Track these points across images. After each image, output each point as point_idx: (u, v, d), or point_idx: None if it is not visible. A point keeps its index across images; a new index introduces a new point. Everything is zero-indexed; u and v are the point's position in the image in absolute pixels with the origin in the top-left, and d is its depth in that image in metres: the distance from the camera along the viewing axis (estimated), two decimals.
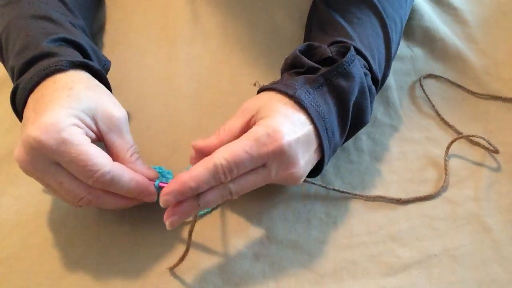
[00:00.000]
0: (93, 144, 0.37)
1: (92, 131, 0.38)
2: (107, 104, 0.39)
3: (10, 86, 0.51)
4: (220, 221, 0.44)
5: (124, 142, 0.39)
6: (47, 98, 0.37)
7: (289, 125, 0.37)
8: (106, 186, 0.37)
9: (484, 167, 0.48)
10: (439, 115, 0.51)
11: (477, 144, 0.49)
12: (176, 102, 0.51)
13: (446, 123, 0.51)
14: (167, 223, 0.37)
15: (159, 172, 0.42)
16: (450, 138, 0.49)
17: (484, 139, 0.48)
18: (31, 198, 0.44)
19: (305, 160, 0.39)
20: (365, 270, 0.41)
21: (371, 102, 0.44)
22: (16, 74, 0.41)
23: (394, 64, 0.55)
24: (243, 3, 0.58)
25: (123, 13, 0.58)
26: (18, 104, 0.40)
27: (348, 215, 0.44)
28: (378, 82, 0.45)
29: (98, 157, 0.36)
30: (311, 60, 0.42)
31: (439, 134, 0.50)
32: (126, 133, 0.40)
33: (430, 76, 0.55)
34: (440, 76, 0.54)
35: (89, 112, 0.38)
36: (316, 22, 0.50)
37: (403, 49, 0.57)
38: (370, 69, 0.44)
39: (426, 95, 0.53)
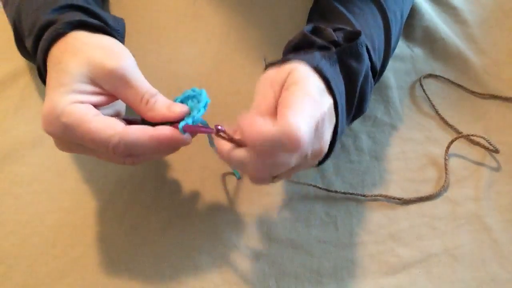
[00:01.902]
0: (98, 116, 0.34)
1: (99, 94, 0.35)
2: (99, 60, 0.35)
3: (9, 86, 0.51)
4: (220, 220, 0.44)
5: (135, 92, 0.36)
6: (47, 81, 0.36)
7: (320, 95, 0.35)
8: (127, 153, 0.34)
9: (484, 166, 0.48)
10: (439, 114, 0.51)
11: (477, 143, 0.49)
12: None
13: (446, 122, 0.51)
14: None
15: (190, 96, 0.37)
16: (450, 138, 0.49)
17: (484, 138, 0.48)
18: (31, 198, 0.44)
19: (329, 134, 0.36)
20: (365, 270, 0.41)
21: (371, 92, 0.43)
22: (33, 55, 0.40)
23: (394, 64, 0.55)
24: (244, 3, 0.58)
25: (124, 13, 0.58)
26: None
27: (348, 214, 0.44)
28: (376, 74, 0.45)
29: (102, 131, 0.33)
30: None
31: (439, 133, 0.50)
32: (134, 81, 0.36)
33: (430, 75, 0.55)
34: (440, 76, 0.54)
35: (84, 78, 0.34)
36: (318, 12, 0.49)
37: (403, 49, 0.57)
38: (370, 59, 0.43)
39: (426, 94, 0.53)
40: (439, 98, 0.53)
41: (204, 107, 0.37)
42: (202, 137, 0.49)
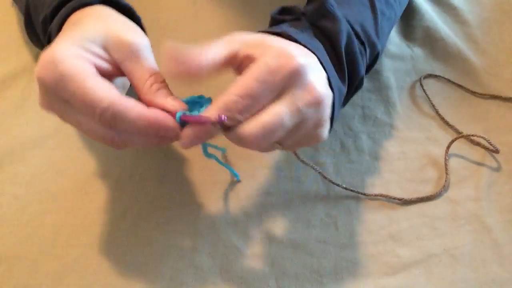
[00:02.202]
0: (96, 76, 0.32)
1: (105, 61, 0.34)
2: (119, 31, 0.34)
3: (9, 86, 0.51)
4: (220, 220, 0.43)
5: (142, 70, 0.34)
6: (58, 35, 0.34)
7: (297, 48, 0.33)
8: (112, 125, 0.32)
9: (484, 166, 0.48)
10: (439, 115, 0.51)
11: (477, 143, 0.49)
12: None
13: (446, 122, 0.51)
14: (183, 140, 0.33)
15: (195, 102, 0.35)
16: (450, 138, 0.49)
17: (484, 138, 0.48)
18: (31, 198, 0.44)
19: (323, 81, 0.34)
20: (365, 270, 0.41)
21: (362, 57, 0.41)
22: (49, 22, 0.38)
23: (394, 64, 0.55)
24: (244, 4, 0.58)
25: None
26: None
27: (348, 215, 0.44)
28: (364, 44, 0.42)
29: (96, 91, 0.31)
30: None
31: (439, 134, 0.50)
32: (145, 60, 0.34)
33: (430, 76, 0.55)
34: (441, 76, 0.54)
35: (96, 39, 0.33)
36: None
37: (403, 49, 0.57)
38: (351, 26, 0.41)
39: (427, 94, 0.53)
40: (439, 98, 0.53)
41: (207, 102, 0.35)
42: None
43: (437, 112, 0.52)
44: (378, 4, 0.45)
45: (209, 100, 0.35)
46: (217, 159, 0.42)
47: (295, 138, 0.35)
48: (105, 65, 0.34)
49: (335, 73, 0.38)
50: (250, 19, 0.57)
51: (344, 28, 0.39)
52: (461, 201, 0.45)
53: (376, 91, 0.52)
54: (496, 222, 0.44)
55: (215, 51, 0.33)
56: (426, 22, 0.57)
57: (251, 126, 0.32)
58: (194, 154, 0.47)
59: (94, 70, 0.32)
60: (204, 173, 0.46)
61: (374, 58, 0.45)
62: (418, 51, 0.56)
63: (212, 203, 0.44)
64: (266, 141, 0.32)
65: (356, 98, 0.52)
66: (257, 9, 0.58)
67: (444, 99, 0.53)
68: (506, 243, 0.43)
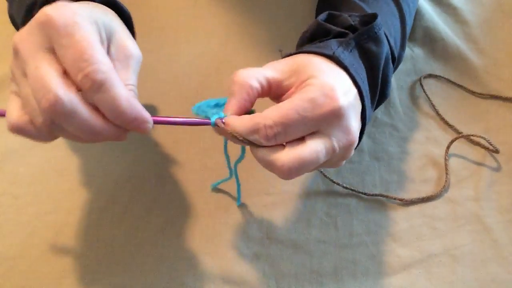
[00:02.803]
0: (101, 46, 0.31)
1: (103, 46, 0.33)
2: (124, 36, 0.35)
3: (9, 86, 0.51)
4: (220, 220, 0.43)
5: (125, 76, 0.34)
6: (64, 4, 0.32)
7: (342, 86, 0.33)
8: (94, 90, 0.29)
9: (484, 166, 0.48)
10: (439, 115, 0.51)
11: (477, 143, 0.49)
12: (177, 103, 0.51)
13: (446, 123, 0.51)
14: None
15: (216, 105, 0.36)
16: (450, 138, 0.49)
17: (484, 138, 0.48)
18: (31, 198, 0.44)
19: (357, 122, 0.35)
20: (365, 270, 0.41)
21: (392, 75, 0.42)
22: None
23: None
24: (244, 3, 0.58)
25: None
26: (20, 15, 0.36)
27: (348, 215, 0.44)
28: (395, 59, 0.43)
29: (100, 53, 0.30)
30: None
31: (439, 134, 0.50)
32: (131, 70, 0.34)
33: (430, 76, 0.55)
34: (440, 76, 0.54)
35: (106, 29, 0.33)
36: (328, 5, 0.47)
37: None
38: (388, 43, 0.41)
39: (427, 94, 0.53)
40: (439, 98, 0.53)
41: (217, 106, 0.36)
42: (202, 137, 0.49)
43: (437, 112, 0.52)
44: (405, 14, 0.46)
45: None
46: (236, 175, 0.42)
47: (318, 168, 0.36)
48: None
49: (370, 100, 0.38)
50: (250, 19, 0.57)
51: (385, 50, 0.39)
52: (461, 201, 0.45)
53: None
54: (496, 222, 0.44)
55: (257, 78, 0.34)
56: (426, 22, 0.57)
57: (289, 157, 0.32)
58: (193, 155, 0.47)
59: (99, 37, 0.32)
60: (203, 174, 0.46)
61: (396, 68, 0.46)
62: (418, 51, 0.56)
63: (212, 203, 0.44)
64: (298, 174, 0.32)
65: None
66: (257, 9, 0.58)
67: (444, 99, 0.53)
68: (506, 243, 0.43)
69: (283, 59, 0.35)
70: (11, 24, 0.44)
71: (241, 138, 0.32)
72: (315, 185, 0.46)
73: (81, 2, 0.34)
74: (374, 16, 0.39)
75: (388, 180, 0.46)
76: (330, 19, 0.40)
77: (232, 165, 0.41)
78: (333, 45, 0.37)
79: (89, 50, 0.30)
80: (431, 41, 0.57)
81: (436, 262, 0.42)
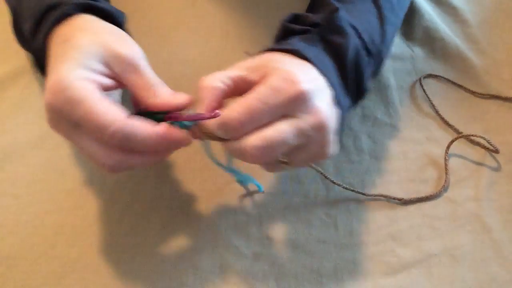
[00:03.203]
0: (104, 98, 0.33)
1: (108, 76, 0.35)
2: (114, 44, 0.35)
3: (9, 86, 0.51)
4: (220, 220, 0.43)
5: (142, 80, 0.35)
6: (53, 58, 0.35)
7: (305, 73, 0.34)
8: (123, 145, 0.33)
9: (484, 166, 0.48)
10: (439, 114, 0.51)
11: (477, 143, 0.49)
12: None
13: (446, 123, 0.51)
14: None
15: None
16: (450, 138, 0.49)
17: (484, 138, 0.48)
18: (31, 198, 0.44)
19: (328, 104, 0.35)
20: (365, 270, 0.41)
21: (369, 69, 0.42)
22: (32, 37, 0.39)
23: (394, 64, 0.55)
24: (244, 4, 0.58)
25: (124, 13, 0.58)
26: (44, 69, 0.37)
27: (348, 215, 0.44)
28: (372, 54, 0.43)
29: (106, 114, 0.32)
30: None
31: (439, 134, 0.50)
32: (143, 69, 0.36)
33: (430, 75, 0.55)
34: (440, 76, 0.54)
35: (96, 57, 0.34)
36: (310, 8, 0.48)
37: (403, 49, 0.57)
38: (360, 37, 0.41)
39: (426, 95, 0.53)
40: (439, 98, 0.53)
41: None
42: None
43: (437, 112, 0.52)
44: (384, 11, 0.45)
45: None
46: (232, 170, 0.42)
47: (300, 157, 0.36)
48: (107, 81, 0.35)
49: (342, 90, 0.38)
50: (250, 19, 0.57)
51: (353, 42, 0.39)
52: (461, 201, 0.45)
53: (376, 91, 0.52)
54: (496, 222, 0.44)
55: (222, 77, 0.35)
56: (426, 22, 0.57)
57: (253, 139, 0.33)
58: (194, 154, 0.47)
59: (99, 92, 0.33)
60: (204, 173, 0.46)
61: (379, 65, 0.46)
62: (418, 51, 0.56)
63: (212, 203, 0.44)
64: (267, 155, 0.33)
65: None
66: (257, 9, 0.58)
67: (444, 99, 0.53)
68: (506, 243, 0.43)
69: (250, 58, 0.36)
70: (11, 25, 0.45)
71: (211, 135, 0.34)
72: (315, 185, 0.46)
73: (62, 49, 0.35)
74: (335, 9, 0.39)
75: (388, 180, 0.46)
76: (295, 19, 0.41)
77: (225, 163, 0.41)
78: (295, 41, 0.37)
79: (98, 118, 0.32)
80: (431, 41, 0.57)
81: (436, 262, 0.42)
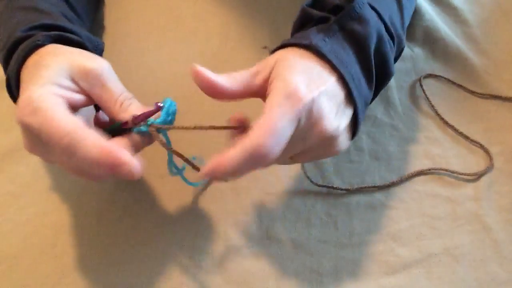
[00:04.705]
0: (64, 109, 0.33)
1: (77, 92, 0.35)
2: (79, 60, 0.36)
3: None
4: (220, 220, 0.44)
5: (109, 93, 0.36)
6: (23, 82, 0.35)
7: (309, 81, 0.34)
8: (69, 154, 0.32)
9: (484, 167, 0.48)
10: (438, 115, 0.51)
11: (477, 144, 0.49)
12: (177, 102, 0.51)
13: (446, 123, 0.51)
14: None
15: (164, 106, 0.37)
16: (450, 138, 0.49)
17: (484, 139, 0.48)
18: (31, 198, 0.44)
19: (334, 112, 0.35)
20: (365, 270, 0.41)
21: (392, 53, 0.41)
22: (4, 67, 0.40)
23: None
24: (244, 3, 0.58)
25: (123, 13, 0.58)
26: (16, 97, 0.38)
27: (348, 214, 0.44)
28: (394, 38, 0.41)
29: (61, 121, 0.32)
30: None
31: (439, 134, 0.50)
32: (110, 83, 0.36)
33: (430, 75, 0.55)
34: (440, 76, 0.54)
35: (63, 73, 0.35)
36: None
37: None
38: (382, 20, 0.40)
39: (426, 95, 0.53)
40: (439, 98, 0.53)
41: (168, 113, 0.37)
42: (202, 137, 0.49)
43: (436, 112, 0.52)
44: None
45: (166, 100, 0.37)
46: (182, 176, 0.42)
47: (306, 158, 0.36)
48: (76, 96, 0.35)
49: (364, 81, 0.37)
50: (250, 19, 0.57)
51: (374, 29, 0.38)
52: (461, 201, 0.45)
53: None
54: (496, 222, 0.44)
55: (240, 79, 0.35)
56: (426, 22, 0.57)
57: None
58: (194, 155, 0.46)
59: (63, 104, 0.34)
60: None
61: (399, 52, 0.45)
62: (418, 51, 0.56)
63: (212, 203, 0.44)
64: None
65: None
66: (257, 9, 0.58)
67: (444, 99, 0.53)
68: (506, 243, 0.43)
69: (263, 61, 0.36)
70: None
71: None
72: (315, 185, 0.46)
73: (30, 72, 0.35)
74: None
75: (388, 180, 0.46)
76: (315, 3, 0.40)
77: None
78: (312, 33, 0.37)
79: (52, 125, 0.32)
80: (431, 41, 0.57)
81: (436, 261, 0.42)
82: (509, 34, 0.59)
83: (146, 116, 0.35)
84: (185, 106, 0.51)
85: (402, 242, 0.43)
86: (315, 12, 0.39)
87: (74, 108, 0.35)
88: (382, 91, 0.52)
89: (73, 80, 0.35)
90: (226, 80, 0.35)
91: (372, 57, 0.38)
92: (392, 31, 0.41)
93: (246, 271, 0.41)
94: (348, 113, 0.36)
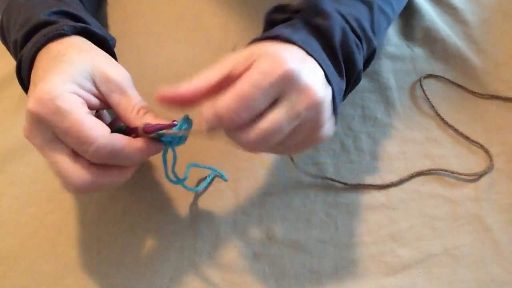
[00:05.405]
0: (90, 114, 0.34)
1: (94, 95, 0.36)
2: (104, 65, 0.36)
3: (9, 86, 0.51)
4: (220, 220, 0.44)
5: (128, 100, 0.36)
6: (42, 70, 0.35)
7: (290, 53, 0.34)
8: (106, 160, 0.34)
9: (484, 167, 0.48)
10: (438, 115, 0.51)
11: (477, 144, 0.49)
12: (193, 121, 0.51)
13: (446, 123, 0.51)
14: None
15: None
16: (450, 138, 0.49)
17: (484, 139, 0.48)
18: (31, 198, 0.44)
19: (320, 83, 0.34)
20: (365, 270, 0.41)
21: (359, 51, 0.41)
22: (19, 47, 0.39)
23: (394, 64, 0.55)
24: (244, 4, 0.58)
25: (124, 13, 0.58)
26: (25, 79, 0.38)
27: (349, 215, 0.44)
28: (360, 37, 0.42)
29: (93, 128, 0.33)
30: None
31: (439, 134, 0.50)
32: (129, 91, 0.37)
33: (430, 76, 0.55)
34: (441, 76, 0.54)
35: (86, 74, 0.35)
36: None
37: (403, 49, 0.57)
38: (345, 20, 0.40)
39: (426, 96, 0.53)
40: (439, 99, 0.53)
41: (184, 124, 0.36)
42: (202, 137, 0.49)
43: (436, 112, 0.52)
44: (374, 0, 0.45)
45: (186, 121, 0.37)
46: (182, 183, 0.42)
47: (296, 140, 0.35)
48: (93, 100, 0.36)
49: (333, 69, 0.38)
50: (250, 19, 0.57)
51: (338, 23, 0.39)
52: (461, 201, 0.45)
53: (376, 91, 0.52)
54: (496, 222, 0.44)
55: (206, 75, 0.34)
56: (426, 22, 0.57)
57: (252, 134, 0.33)
58: (193, 155, 0.47)
59: (85, 107, 0.34)
60: (204, 173, 0.46)
61: (371, 55, 0.44)
62: (418, 51, 0.56)
63: (212, 203, 0.44)
64: (266, 146, 0.33)
65: (356, 98, 0.52)
66: (257, 9, 0.58)
67: (444, 99, 0.53)
68: (506, 243, 0.43)
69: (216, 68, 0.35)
70: None
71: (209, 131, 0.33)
72: (315, 185, 0.46)
73: (54, 63, 0.35)
74: None
75: (388, 180, 0.46)
76: (277, 10, 0.41)
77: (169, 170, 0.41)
78: (279, 29, 0.37)
79: (84, 131, 0.32)
80: (431, 41, 0.57)
81: (436, 262, 0.42)
82: (509, 34, 0.59)
83: (157, 128, 0.35)
84: None
85: (402, 242, 0.43)
86: (279, 15, 0.39)
87: (92, 109, 0.36)
88: (382, 91, 0.52)
89: (94, 83, 0.35)
90: (197, 82, 0.34)
91: (338, 49, 0.38)
92: (359, 32, 0.41)
93: (246, 271, 0.41)
94: (329, 91, 0.36)
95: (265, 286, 0.40)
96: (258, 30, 0.57)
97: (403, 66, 0.55)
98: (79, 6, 0.44)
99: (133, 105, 0.36)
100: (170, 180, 0.41)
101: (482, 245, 0.43)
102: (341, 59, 0.39)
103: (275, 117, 0.32)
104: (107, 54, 0.39)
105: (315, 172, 0.46)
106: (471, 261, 0.42)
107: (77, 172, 0.34)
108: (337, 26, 0.39)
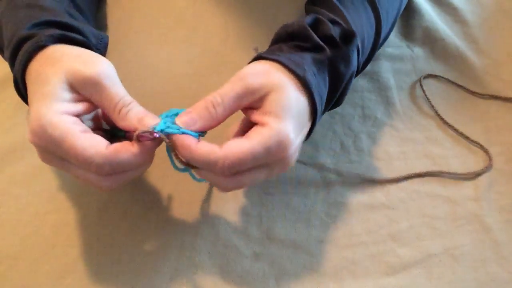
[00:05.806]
0: (84, 133, 0.34)
1: (80, 101, 0.36)
2: (75, 67, 0.35)
3: (9, 86, 0.51)
4: (220, 220, 0.44)
5: (108, 100, 0.35)
6: (30, 94, 0.36)
7: (297, 128, 0.36)
8: (112, 172, 0.35)
9: (484, 167, 0.48)
10: (438, 115, 0.51)
11: (477, 144, 0.49)
12: (177, 103, 0.51)
13: (446, 123, 0.51)
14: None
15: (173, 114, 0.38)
16: (450, 138, 0.49)
17: (484, 139, 0.48)
18: (31, 198, 0.44)
19: (299, 138, 0.37)
20: (365, 270, 0.41)
21: (350, 85, 0.43)
22: (10, 66, 0.40)
23: (394, 64, 0.55)
24: (244, 3, 0.58)
25: (124, 13, 0.58)
26: (24, 95, 0.38)
27: (348, 214, 0.44)
28: (359, 71, 0.45)
29: (87, 149, 0.33)
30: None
31: (439, 134, 0.50)
32: (109, 89, 0.35)
33: (430, 76, 0.55)
34: (440, 76, 0.54)
35: (63, 86, 0.35)
36: (311, 2, 0.48)
37: (403, 49, 0.57)
38: (357, 60, 0.42)
39: (426, 95, 0.53)
40: (439, 99, 0.53)
41: (168, 117, 0.37)
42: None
43: (436, 112, 0.52)
44: (382, 22, 0.46)
45: (176, 113, 0.38)
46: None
47: (262, 177, 0.38)
48: (82, 106, 0.36)
49: (323, 99, 0.40)
50: (249, 19, 0.57)
51: (352, 70, 0.41)
52: (461, 201, 0.45)
53: (376, 91, 0.52)
54: (496, 222, 0.44)
55: (224, 107, 0.36)
56: (426, 22, 0.57)
57: (230, 183, 0.36)
58: None
59: (81, 125, 0.35)
60: None
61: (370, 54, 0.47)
62: (418, 51, 0.56)
63: (212, 203, 0.44)
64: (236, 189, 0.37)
65: (356, 98, 0.52)
66: (257, 9, 0.58)
67: (444, 99, 0.53)
68: (506, 243, 0.43)
69: (257, 75, 0.37)
70: None
71: (185, 161, 0.36)
72: (315, 185, 0.46)
73: (34, 88, 0.36)
74: (353, 35, 0.40)
75: (388, 180, 0.46)
76: (315, 24, 0.41)
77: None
78: (307, 62, 0.38)
79: (78, 155, 0.33)
80: (431, 41, 0.57)
81: (436, 262, 0.42)
82: (509, 34, 0.59)
83: (148, 139, 0.35)
84: (185, 106, 0.51)
85: (402, 242, 0.43)
86: (314, 37, 0.39)
87: (83, 115, 0.37)
88: (382, 91, 0.53)
89: (74, 90, 0.35)
90: (205, 120, 0.37)
91: (339, 92, 0.41)
92: (360, 67, 0.44)
93: (246, 271, 0.41)
94: (306, 129, 0.39)
95: (265, 286, 0.40)
96: (258, 30, 0.57)
97: (403, 66, 0.55)
98: (65, 11, 0.43)
99: (114, 105, 0.36)
100: (178, 169, 0.40)
101: (482, 245, 0.43)
102: (335, 100, 0.42)
103: (256, 176, 0.36)
104: (84, 53, 0.37)
105: (319, 181, 0.46)
106: (471, 261, 0.42)
107: (99, 181, 0.35)
108: (350, 73, 0.41)
